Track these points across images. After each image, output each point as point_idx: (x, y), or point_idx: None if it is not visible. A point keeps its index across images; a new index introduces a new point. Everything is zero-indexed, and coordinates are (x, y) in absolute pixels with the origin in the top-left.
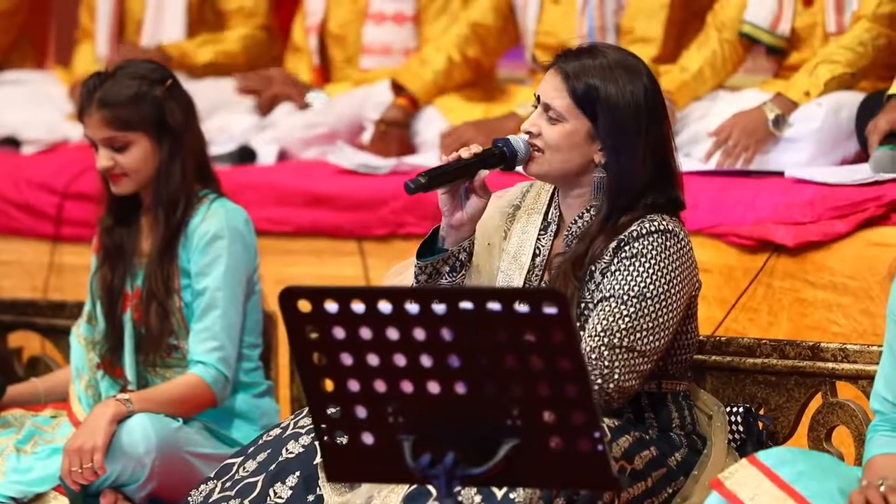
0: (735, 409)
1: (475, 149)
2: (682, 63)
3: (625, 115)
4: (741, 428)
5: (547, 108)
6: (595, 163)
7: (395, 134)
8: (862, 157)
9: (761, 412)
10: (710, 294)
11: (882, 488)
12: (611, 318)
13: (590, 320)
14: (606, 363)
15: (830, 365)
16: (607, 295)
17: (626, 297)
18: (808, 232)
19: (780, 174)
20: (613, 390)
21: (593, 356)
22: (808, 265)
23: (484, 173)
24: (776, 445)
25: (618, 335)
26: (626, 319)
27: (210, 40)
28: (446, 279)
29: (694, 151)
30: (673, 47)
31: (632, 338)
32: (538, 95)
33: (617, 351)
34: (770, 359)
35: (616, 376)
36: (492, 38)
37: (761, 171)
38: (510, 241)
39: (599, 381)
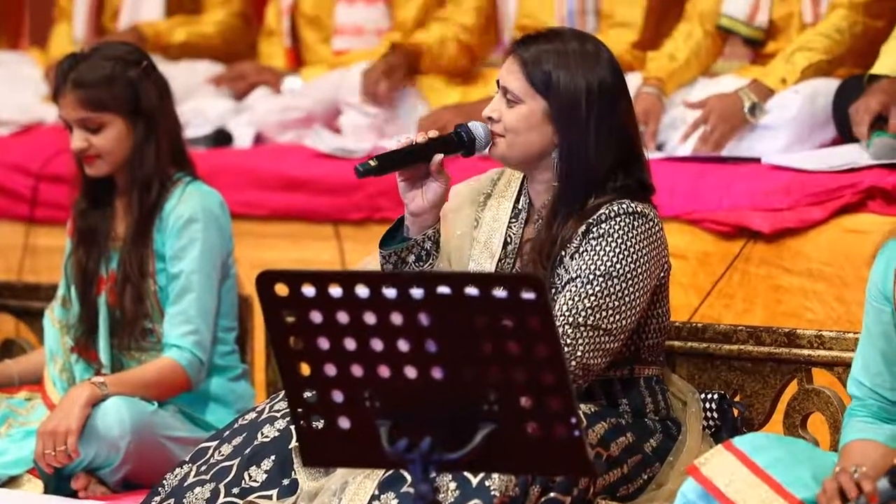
0: (709, 396)
1: (431, 133)
2: (670, 51)
3: (573, 98)
4: (716, 414)
5: (505, 91)
6: (555, 144)
7: (395, 72)
8: (839, 144)
9: (737, 399)
10: (686, 280)
11: (856, 475)
12: (576, 298)
13: (557, 302)
14: (569, 341)
15: (806, 352)
16: (574, 276)
17: (591, 277)
18: (785, 219)
19: (757, 161)
20: (576, 367)
21: None
22: (784, 252)
23: (439, 157)
24: (752, 432)
25: (582, 314)
26: (592, 298)
27: (186, 22)
28: (412, 269)
29: (671, 137)
30: (653, 33)
31: (597, 316)
32: (498, 81)
33: (581, 329)
34: (746, 345)
35: (578, 354)
36: (475, 41)
37: (738, 157)
38: (481, 230)
39: None
